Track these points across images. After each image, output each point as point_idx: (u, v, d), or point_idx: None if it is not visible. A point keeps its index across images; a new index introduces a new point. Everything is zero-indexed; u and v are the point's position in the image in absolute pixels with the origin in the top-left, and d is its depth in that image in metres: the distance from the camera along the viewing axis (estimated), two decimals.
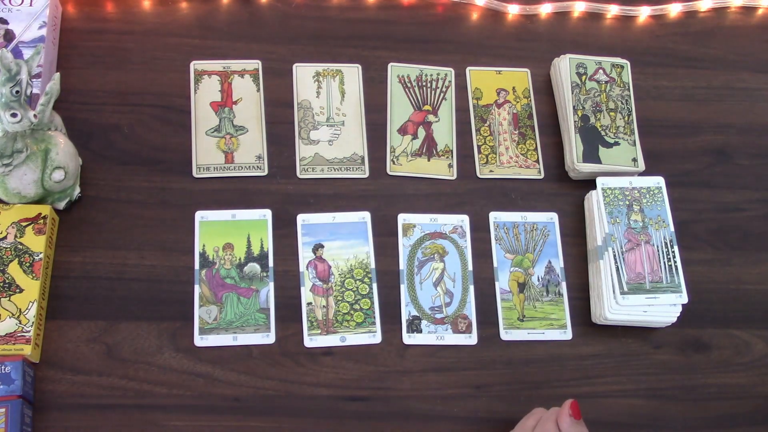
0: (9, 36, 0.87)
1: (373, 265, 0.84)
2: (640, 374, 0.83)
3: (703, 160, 0.95)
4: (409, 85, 0.94)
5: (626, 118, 0.92)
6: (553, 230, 0.88)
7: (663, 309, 0.82)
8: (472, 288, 0.85)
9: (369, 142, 0.90)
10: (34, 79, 0.76)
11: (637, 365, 0.84)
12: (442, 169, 0.90)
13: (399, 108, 0.92)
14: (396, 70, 0.94)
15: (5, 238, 0.78)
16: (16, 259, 0.77)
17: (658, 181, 0.88)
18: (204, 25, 0.93)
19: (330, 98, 0.91)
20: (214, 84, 0.90)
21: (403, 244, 0.85)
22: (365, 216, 0.86)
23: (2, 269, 0.76)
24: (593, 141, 0.90)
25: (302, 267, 0.83)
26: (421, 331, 0.82)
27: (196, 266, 0.82)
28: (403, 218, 0.86)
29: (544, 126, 0.94)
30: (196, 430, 0.75)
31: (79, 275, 0.80)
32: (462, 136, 0.92)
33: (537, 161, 0.92)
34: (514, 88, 0.95)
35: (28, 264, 0.77)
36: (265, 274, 0.82)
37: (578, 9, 1.01)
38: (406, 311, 0.82)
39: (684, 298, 0.82)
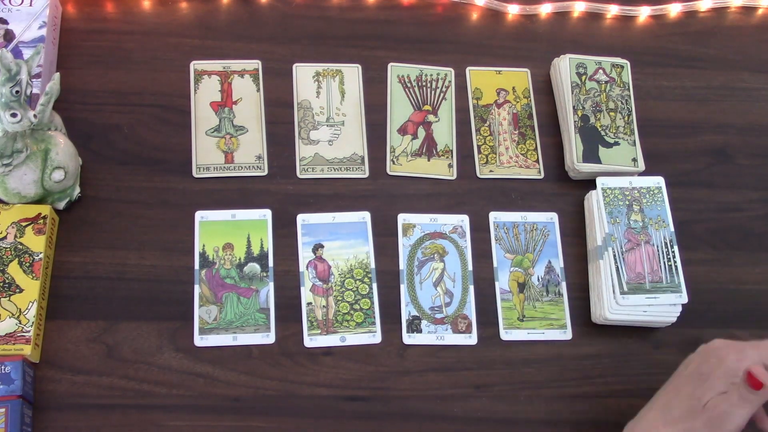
0: (9, 36, 0.87)
1: (373, 265, 0.84)
2: (640, 374, 0.83)
3: (703, 160, 0.95)
4: (409, 85, 0.94)
5: (626, 118, 0.92)
6: (553, 230, 0.88)
7: (663, 309, 0.82)
8: (472, 288, 0.85)
9: (369, 142, 0.90)
10: (34, 79, 0.76)
11: (637, 365, 0.84)
12: (442, 169, 0.90)
13: (399, 108, 0.92)
14: (396, 70, 0.94)
15: (5, 238, 0.78)
16: (16, 259, 0.77)
17: (658, 181, 0.88)
18: (204, 25, 0.93)
19: (330, 98, 0.91)
20: (214, 84, 0.90)
21: (403, 244, 0.85)
22: (365, 216, 0.86)
23: (2, 269, 0.76)
24: (593, 141, 0.90)
25: (302, 267, 0.83)
26: (421, 331, 0.82)
27: (196, 266, 0.82)
28: (403, 218, 0.86)
29: (544, 126, 0.94)
30: (196, 430, 0.75)
31: (79, 275, 0.80)
32: (462, 136, 0.92)
33: (537, 161, 0.92)
34: (514, 88, 0.95)
35: (28, 264, 0.77)
36: (265, 274, 0.82)
37: (578, 9, 1.01)
38: (406, 311, 0.83)
39: (684, 298, 0.82)
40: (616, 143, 0.90)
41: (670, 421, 0.68)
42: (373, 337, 0.81)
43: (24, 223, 0.78)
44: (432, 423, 0.79)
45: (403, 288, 0.83)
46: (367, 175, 0.88)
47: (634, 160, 0.90)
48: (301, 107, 0.91)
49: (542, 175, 0.91)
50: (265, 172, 0.87)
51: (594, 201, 0.87)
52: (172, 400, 0.76)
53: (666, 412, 0.69)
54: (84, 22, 0.92)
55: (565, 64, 0.93)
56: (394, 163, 0.89)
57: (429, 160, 0.90)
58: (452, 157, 0.91)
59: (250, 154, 0.87)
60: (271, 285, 0.82)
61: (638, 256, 0.84)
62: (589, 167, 0.89)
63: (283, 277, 0.82)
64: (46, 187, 0.78)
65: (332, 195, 0.87)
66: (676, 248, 0.84)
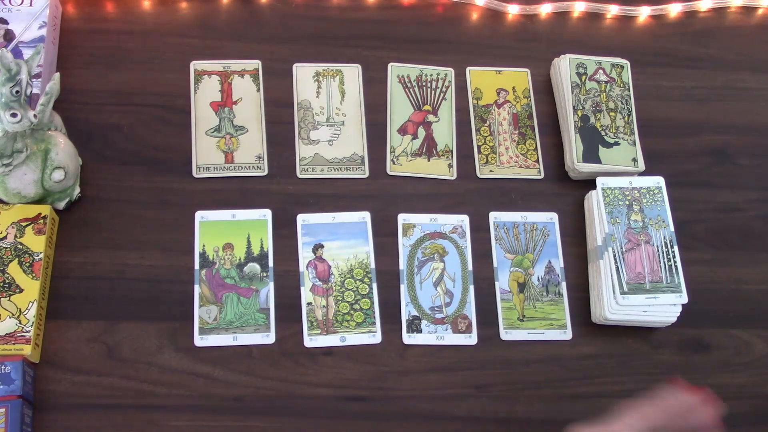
0: (9, 36, 0.87)
1: (373, 265, 0.84)
2: (640, 374, 0.83)
3: (703, 160, 0.95)
4: (409, 85, 0.94)
5: (626, 118, 0.92)
6: (553, 230, 0.88)
7: (663, 309, 0.82)
8: (472, 288, 0.85)
9: (369, 142, 0.90)
10: (34, 79, 0.76)
11: (637, 365, 0.84)
12: (442, 169, 0.90)
13: (399, 108, 0.92)
14: (396, 70, 0.94)
15: (5, 238, 0.78)
16: (16, 259, 0.77)
17: (658, 181, 0.88)
18: (204, 25, 0.93)
19: (330, 98, 0.91)
20: (214, 84, 0.90)
21: (403, 244, 0.85)
22: (365, 216, 0.86)
23: (2, 269, 0.76)
24: (593, 141, 0.90)
25: (302, 267, 0.83)
26: (421, 331, 0.82)
27: (196, 266, 0.82)
28: (403, 218, 0.86)
29: (544, 126, 0.94)
30: (196, 430, 0.75)
31: (79, 275, 0.80)
32: (462, 136, 0.92)
33: (537, 161, 0.92)
34: (514, 88, 0.95)
35: (28, 264, 0.77)
36: (265, 274, 0.82)
37: (578, 9, 1.01)
38: (406, 311, 0.83)
39: (684, 298, 0.82)
40: (616, 143, 0.90)
41: None
42: (373, 337, 0.81)
43: (24, 223, 0.78)
44: (432, 423, 0.79)
45: (403, 288, 0.83)
46: (367, 175, 0.88)
47: (634, 160, 0.90)
48: (301, 107, 0.91)
49: (542, 175, 0.91)
50: (265, 172, 0.87)
51: (594, 201, 0.87)
52: (172, 400, 0.76)
53: None
54: (84, 22, 0.92)
55: (565, 64, 0.93)
56: (394, 163, 0.89)
57: (429, 160, 0.90)
58: (452, 157, 0.91)
59: (250, 154, 0.87)
60: (271, 285, 0.82)
61: (638, 256, 0.84)
62: (589, 167, 0.89)
63: (283, 277, 0.82)
64: (46, 187, 0.78)
65: (332, 195, 0.87)
66: (676, 248, 0.84)
